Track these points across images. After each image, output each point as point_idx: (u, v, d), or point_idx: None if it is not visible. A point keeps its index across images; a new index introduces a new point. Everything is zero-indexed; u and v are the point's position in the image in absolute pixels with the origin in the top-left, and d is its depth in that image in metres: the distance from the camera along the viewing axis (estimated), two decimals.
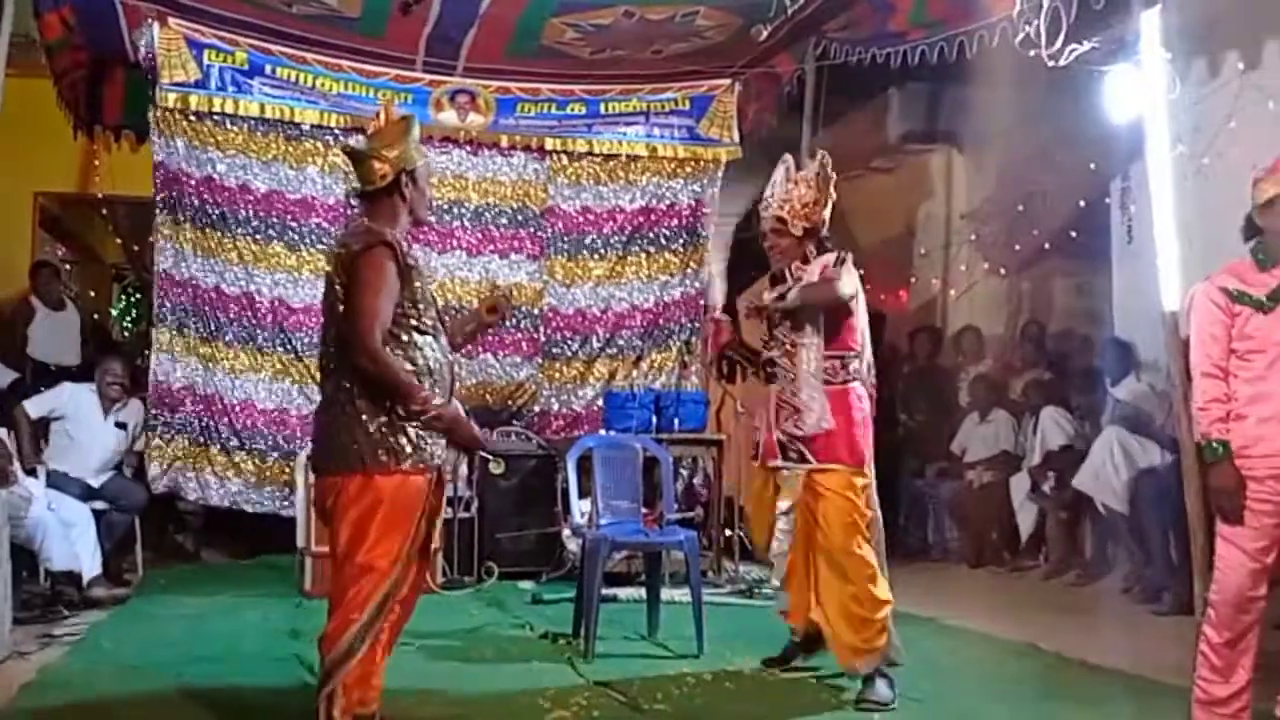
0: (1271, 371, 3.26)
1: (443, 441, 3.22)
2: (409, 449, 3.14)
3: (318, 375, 3.46)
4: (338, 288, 3.19)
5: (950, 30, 5.70)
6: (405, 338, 3.19)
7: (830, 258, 4.07)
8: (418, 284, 3.23)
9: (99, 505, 5.93)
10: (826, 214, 4.10)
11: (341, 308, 3.17)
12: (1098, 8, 4.89)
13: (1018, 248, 8.35)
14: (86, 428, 6.09)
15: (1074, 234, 7.69)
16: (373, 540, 3.10)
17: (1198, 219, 4.58)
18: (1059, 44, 5.00)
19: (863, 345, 4.08)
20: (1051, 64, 5.12)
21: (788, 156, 4.27)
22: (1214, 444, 3.34)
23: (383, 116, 3.40)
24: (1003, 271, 8.64)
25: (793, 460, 3.99)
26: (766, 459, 4.10)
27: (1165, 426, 5.98)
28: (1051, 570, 6.68)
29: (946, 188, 9.11)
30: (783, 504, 4.07)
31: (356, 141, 5.98)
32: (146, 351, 6.86)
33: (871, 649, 3.90)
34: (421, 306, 3.23)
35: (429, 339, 3.25)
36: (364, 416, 3.13)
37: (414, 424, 3.15)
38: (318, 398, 3.40)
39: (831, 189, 4.08)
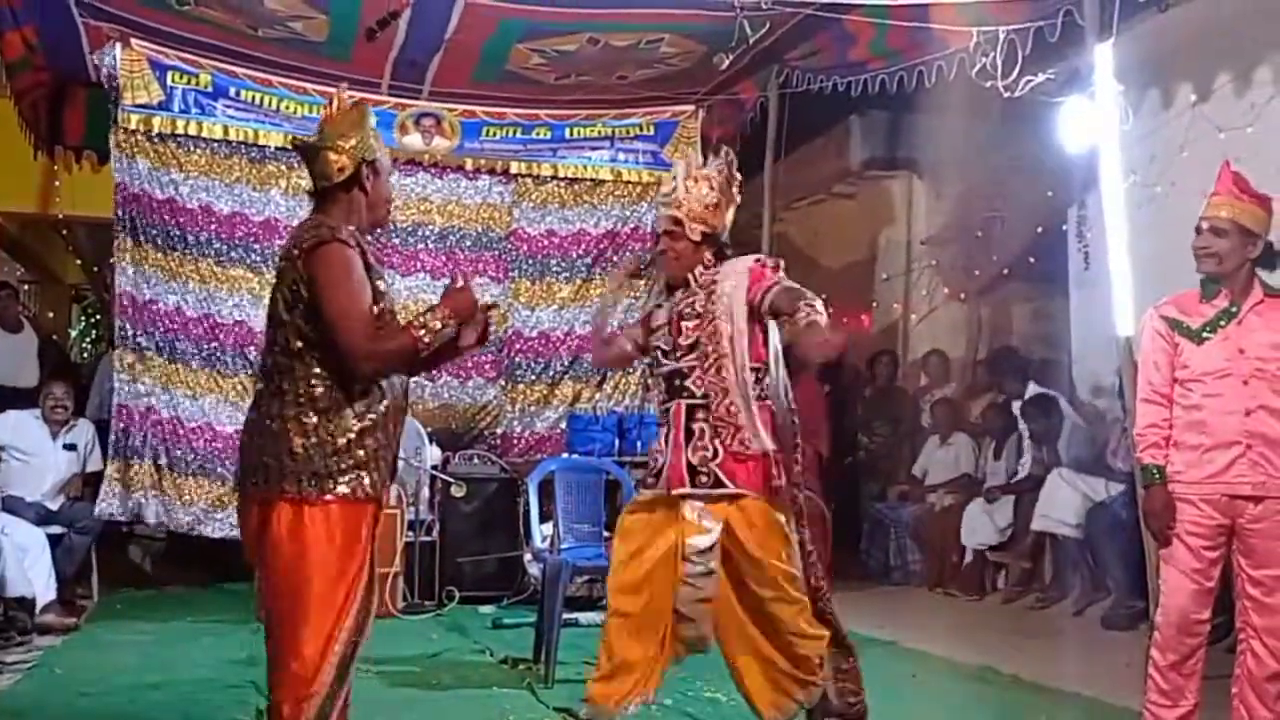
0: (1206, 401, 3.34)
1: (386, 468, 2.80)
2: (341, 475, 2.68)
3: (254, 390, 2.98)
4: (292, 292, 2.73)
5: (909, 60, 5.78)
6: None
7: (748, 259, 3.60)
8: (381, 286, 2.83)
9: (55, 530, 5.85)
10: (729, 218, 3.65)
11: (289, 318, 2.74)
12: (1052, 41, 5.00)
13: (977, 273, 8.47)
14: (37, 452, 6.09)
15: (1032, 260, 7.81)
16: (318, 588, 2.64)
17: (1152, 247, 4.67)
18: (1015, 75, 5.12)
19: (775, 361, 3.58)
20: (1008, 94, 5.24)
21: (689, 152, 4.04)
22: (1149, 468, 3.43)
23: (334, 104, 2.96)
24: (962, 296, 8.76)
25: (704, 487, 3.45)
26: (671, 486, 3.49)
27: (1117, 452, 6.08)
28: (1011, 594, 6.75)
29: (907, 213, 9.23)
30: (701, 541, 3.44)
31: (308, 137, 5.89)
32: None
33: (813, 680, 3.53)
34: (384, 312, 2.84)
35: None
36: (290, 433, 2.67)
37: (350, 441, 2.70)
38: None
39: (735, 191, 3.62)
